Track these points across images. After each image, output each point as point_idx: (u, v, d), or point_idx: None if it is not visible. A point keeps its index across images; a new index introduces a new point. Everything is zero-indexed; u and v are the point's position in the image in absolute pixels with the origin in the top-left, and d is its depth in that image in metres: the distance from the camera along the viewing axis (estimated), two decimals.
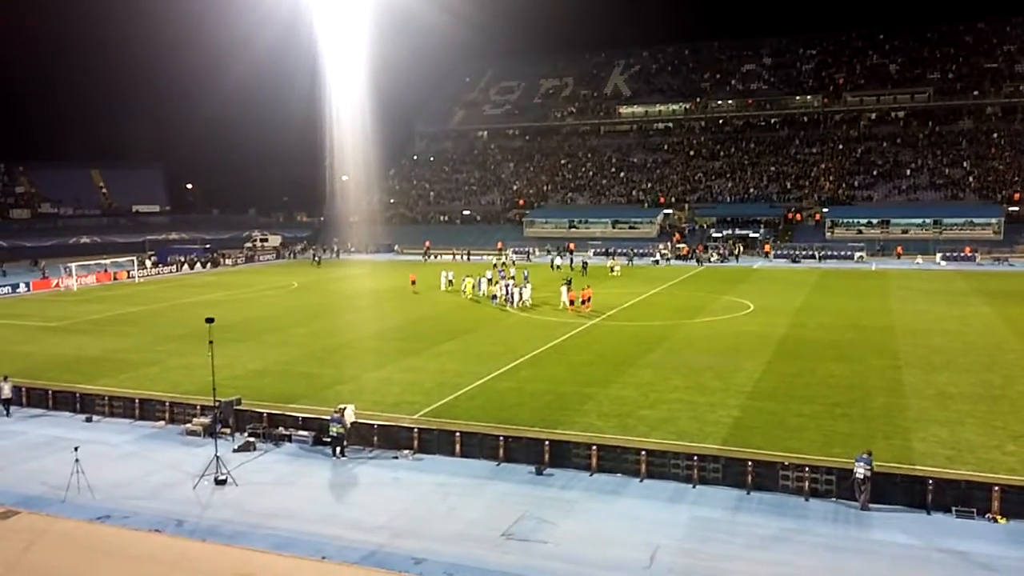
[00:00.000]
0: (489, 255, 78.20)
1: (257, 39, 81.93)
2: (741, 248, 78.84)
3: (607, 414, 23.47)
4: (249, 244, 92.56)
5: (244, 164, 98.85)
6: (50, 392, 25.87)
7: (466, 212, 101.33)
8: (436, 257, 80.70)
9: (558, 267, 66.74)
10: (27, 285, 57.31)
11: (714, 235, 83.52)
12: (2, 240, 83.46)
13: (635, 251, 76.43)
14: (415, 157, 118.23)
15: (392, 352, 33.22)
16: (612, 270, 63.06)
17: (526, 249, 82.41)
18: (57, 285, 59.07)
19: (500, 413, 23.69)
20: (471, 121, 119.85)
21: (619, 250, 78.62)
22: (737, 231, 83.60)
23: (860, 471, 16.79)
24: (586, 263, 66.56)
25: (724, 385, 26.65)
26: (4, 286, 56.13)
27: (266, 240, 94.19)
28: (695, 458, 18.44)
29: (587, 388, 26.58)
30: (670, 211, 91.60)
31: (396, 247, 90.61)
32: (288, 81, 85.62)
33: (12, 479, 19.23)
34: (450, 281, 53.43)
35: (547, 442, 19.75)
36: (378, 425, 21.57)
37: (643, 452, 18.89)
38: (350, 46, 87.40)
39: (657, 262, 73.45)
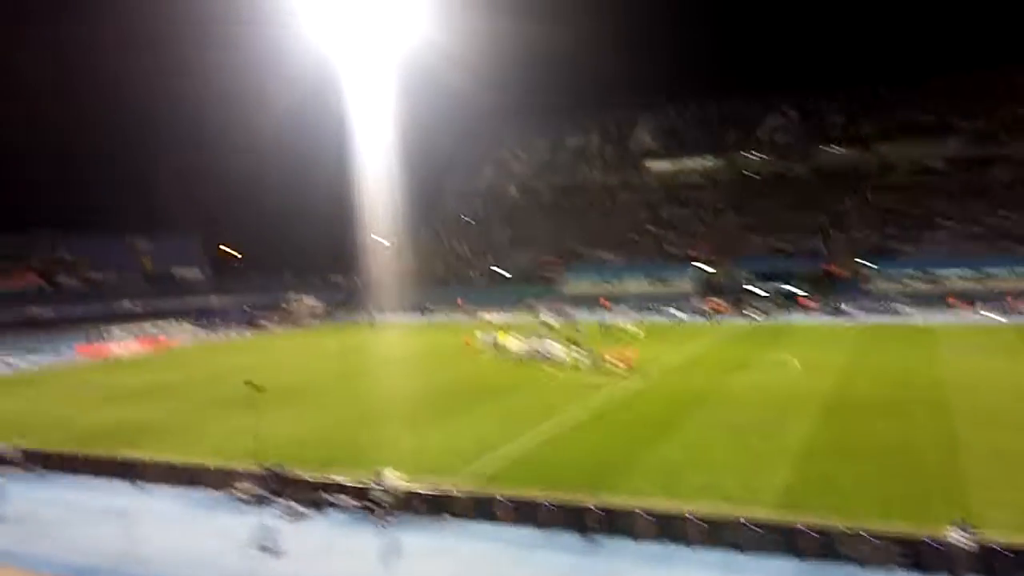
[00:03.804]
0: (499, 315, 77.07)
1: (286, 107, 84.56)
2: (779, 303, 78.08)
3: (652, 477, 23.12)
4: (285, 306, 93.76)
5: (279, 227, 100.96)
6: (97, 459, 26.19)
7: (498, 270, 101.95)
8: (476, 316, 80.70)
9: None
10: (73, 351, 58.49)
11: (749, 290, 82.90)
12: (51, 307, 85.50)
13: (652, 307, 76.73)
14: (445, 216, 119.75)
15: (431, 415, 33.20)
16: (628, 331, 59.52)
17: (560, 307, 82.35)
18: (103, 352, 60.20)
19: (543, 477, 23.45)
20: (501, 178, 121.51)
21: (645, 308, 78.86)
22: (773, 285, 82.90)
23: (961, 541, 16.07)
24: (606, 323, 64.25)
25: (771, 445, 26.16)
26: (52, 353, 57.40)
27: (302, 302, 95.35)
28: (746, 524, 18.02)
29: (630, 450, 26.27)
30: (703, 266, 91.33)
31: (428, 307, 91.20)
32: (317, 145, 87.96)
33: (63, 548, 19.41)
34: (496, 344, 52.35)
35: (592, 507, 19.44)
36: (419, 490, 21.47)
37: (692, 518, 18.51)
38: (376, 108, 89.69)
39: (682, 321, 72.00)
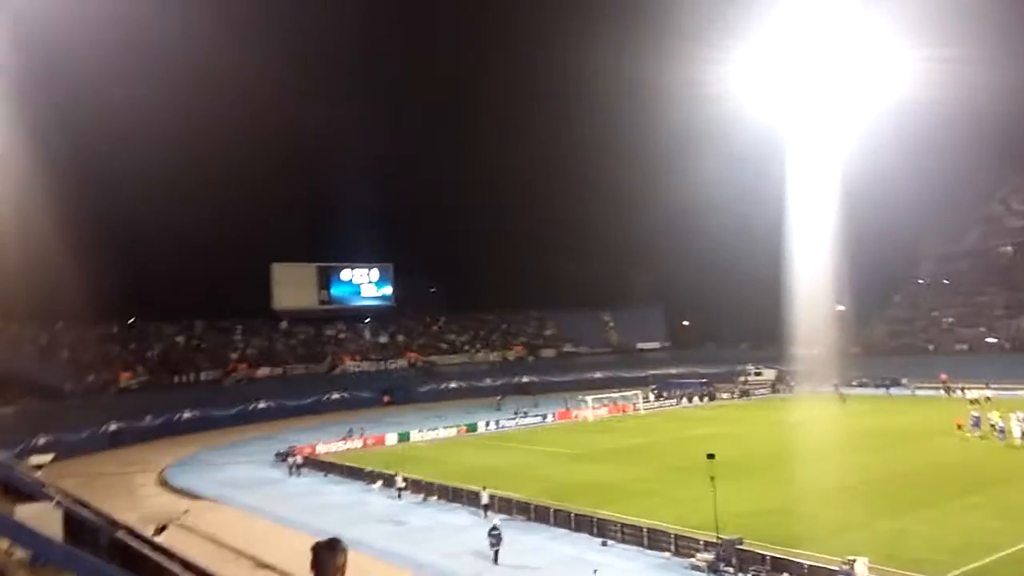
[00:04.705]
0: (990, 391, 64.22)
1: (737, 181, 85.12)
2: None
3: None
4: (740, 377, 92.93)
5: (735, 299, 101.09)
6: (572, 515, 28.63)
7: (991, 340, 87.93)
8: (961, 392, 70.18)
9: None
10: (553, 416, 65.51)
11: None
12: (535, 376, 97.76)
13: None
14: (922, 281, 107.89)
15: (908, 500, 29.49)
16: None
17: None
18: (576, 416, 66.29)
19: None
20: (992, 236, 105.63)
21: None
22: None
23: None
24: None
25: None
26: (537, 416, 65.03)
27: (760, 374, 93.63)
28: None
29: None
30: None
31: (901, 380, 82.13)
32: (770, 216, 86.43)
33: None
34: (992, 425, 44.70)
35: None
36: None
37: None
38: (835, 173, 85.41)
39: None
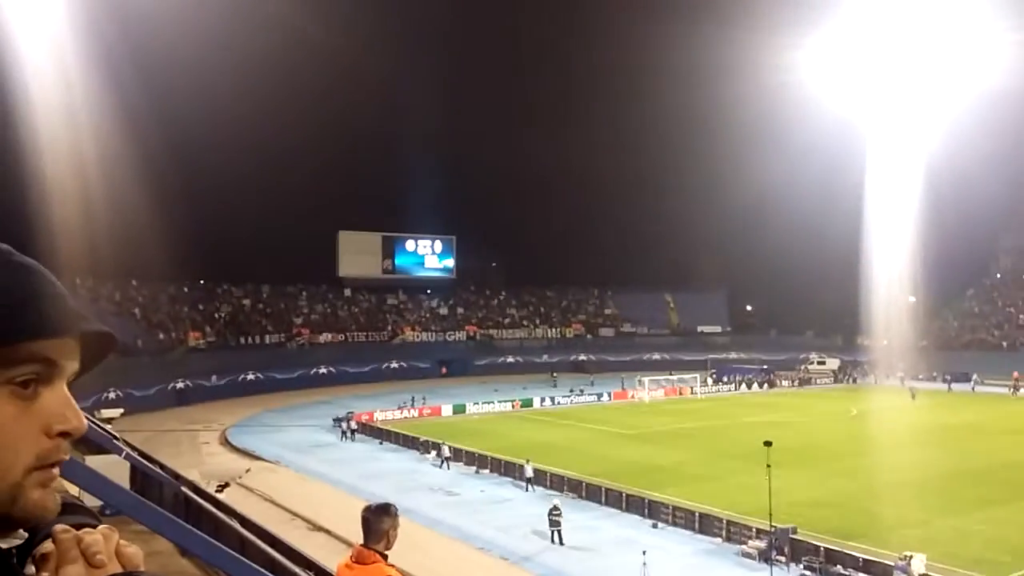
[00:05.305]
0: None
1: (809, 167, 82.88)
2: None
3: None
4: (803, 365, 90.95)
5: (802, 287, 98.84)
6: (624, 495, 28.61)
7: None
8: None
9: None
10: (609, 395, 65.35)
11: None
12: (592, 354, 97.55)
13: None
14: (998, 276, 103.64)
15: (971, 498, 28.61)
16: None
17: None
18: (632, 396, 65.95)
19: None
20: None
21: None
22: None
23: None
24: None
25: None
26: (592, 395, 64.99)
27: (823, 363, 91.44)
28: None
29: None
30: None
31: (975, 377, 79.25)
32: (842, 202, 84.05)
33: (591, 571, 21.53)
34: None
35: None
36: None
37: None
38: (904, 163, 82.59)
39: None
